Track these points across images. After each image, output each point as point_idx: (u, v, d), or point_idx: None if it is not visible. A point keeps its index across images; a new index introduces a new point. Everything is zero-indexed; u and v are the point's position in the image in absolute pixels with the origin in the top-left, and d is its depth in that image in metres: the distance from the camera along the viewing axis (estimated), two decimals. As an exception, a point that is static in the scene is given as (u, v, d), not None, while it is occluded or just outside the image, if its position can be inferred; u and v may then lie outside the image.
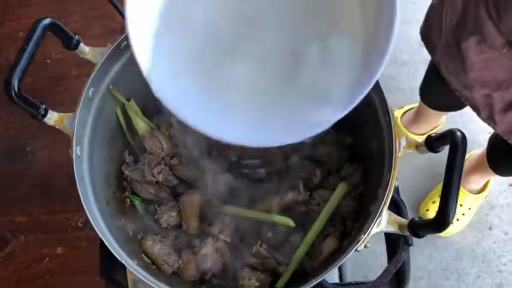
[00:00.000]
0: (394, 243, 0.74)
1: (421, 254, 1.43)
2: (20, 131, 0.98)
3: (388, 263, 0.73)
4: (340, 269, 1.20)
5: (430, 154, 0.68)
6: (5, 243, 0.92)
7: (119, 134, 0.85)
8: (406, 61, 1.71)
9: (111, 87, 0.75)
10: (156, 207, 0.84)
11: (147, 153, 0.85)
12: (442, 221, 0.52)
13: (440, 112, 1.37)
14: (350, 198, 0.79)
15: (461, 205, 1.37)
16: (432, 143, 0.62)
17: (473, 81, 0.90)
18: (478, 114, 0.97)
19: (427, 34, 1.05)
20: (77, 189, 0.91)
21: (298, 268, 0.77)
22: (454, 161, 0.53)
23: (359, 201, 0.79)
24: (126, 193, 0.86)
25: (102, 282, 0.81)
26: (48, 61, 1.03)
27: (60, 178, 0.96)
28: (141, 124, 0.85)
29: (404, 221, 0.63)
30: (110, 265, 0.73)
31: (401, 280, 0.73)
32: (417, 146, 0.66)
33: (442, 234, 1.44)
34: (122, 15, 0.84)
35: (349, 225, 0.78)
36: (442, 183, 1.53)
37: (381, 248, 0.75)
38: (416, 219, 0.60)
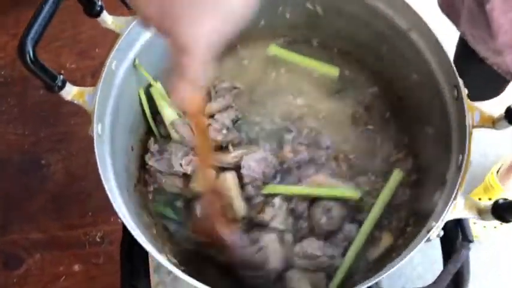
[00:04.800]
0: (451, 241, 0.65)
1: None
2: (35, 144, 0.93)
3: (445, 264, 0.64)
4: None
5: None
6: (20, 262, 0.87)
7: (142, 121, 0.78)
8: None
9: (136, 62, 0.67)
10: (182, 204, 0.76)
11: (173, 142, 0.77)
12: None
13: None
14: (406, 186, 0.70)
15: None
16: (514, 114, 0.54)
17: (502, 45, 0.85)
18: None
19: (448, 4, 0.99)
20: (93, 201, 0.86)
21: (353, 265, 0.68)
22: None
23: (414, 190, 0.71)
24: (149, 188, 0.77)
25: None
26: (63, 71, 1.00)
27: (76, 191, 0.91)
28: (167, 110, 0.76)
29: (484, 205, 0.53)
30: (132, 271, 0.66)
31: (460, 283, 0.64)
32: (494, 121, 0.57)
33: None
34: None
35: (404, 219, 0.70)
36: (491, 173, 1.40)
37: (418, 258, 0.67)
38: (501, 200, 0.51)
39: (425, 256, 1.31)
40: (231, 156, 0.75)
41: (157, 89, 0.75)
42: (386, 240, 0.68)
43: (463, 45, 1.04)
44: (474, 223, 1.51)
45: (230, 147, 0.77)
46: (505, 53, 0.86)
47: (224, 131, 0.77)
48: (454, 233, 0.64)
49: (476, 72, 1.02)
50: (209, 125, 0.77)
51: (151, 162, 0.76)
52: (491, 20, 0.82)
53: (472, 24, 0.91)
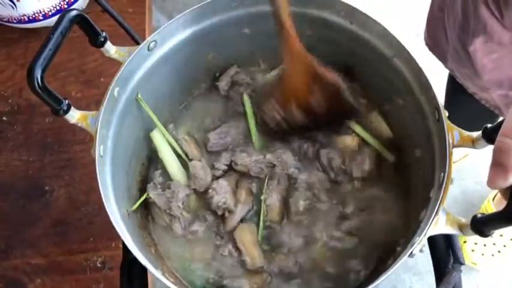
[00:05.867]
0: (443, 264, 0.66)
1: None
2: (39, 170, 0.94)
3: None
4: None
5: (464, 185, 0.62)
6: (21, 287, 0.86)
7: (143, 146, 0.81)
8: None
9: (139, 96, 0.72)
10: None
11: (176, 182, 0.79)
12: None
13: None
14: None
15: (501, 235, 1.28)
16: (491, 134, 0.57)
17: (488, 83, 0.89)
18: (502, 115, 0.95)
19: (434, 44, 1.04)
20: (95, 227, 0.88)
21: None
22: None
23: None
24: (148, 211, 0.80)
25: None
26: (68, 99, 1.04)
27: (78, 217, 0.91)
28: (168, 155, 0.80)
29: (465, 220, 0.56)
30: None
31: (453, 307, 0.65)
32: (473, 141, 0.60)
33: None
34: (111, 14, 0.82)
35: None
36: (487, 200, 1.41)
37: (417, 285, 0.68)
38: (480, 215, 0.53)
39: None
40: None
41: (155, 135, 0.79)
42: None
43: (453, 81, 1.07)
44: (472, 250, 1.51)
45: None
46: (491, 90, 0.90)
47: None
48: (446, 257, 0.65)
49: (468, 105, 1.04)
50: None
51: (152, 195, 0.78)
52: (475, 61, 0.85)
53: (459, 63, 0.94)
